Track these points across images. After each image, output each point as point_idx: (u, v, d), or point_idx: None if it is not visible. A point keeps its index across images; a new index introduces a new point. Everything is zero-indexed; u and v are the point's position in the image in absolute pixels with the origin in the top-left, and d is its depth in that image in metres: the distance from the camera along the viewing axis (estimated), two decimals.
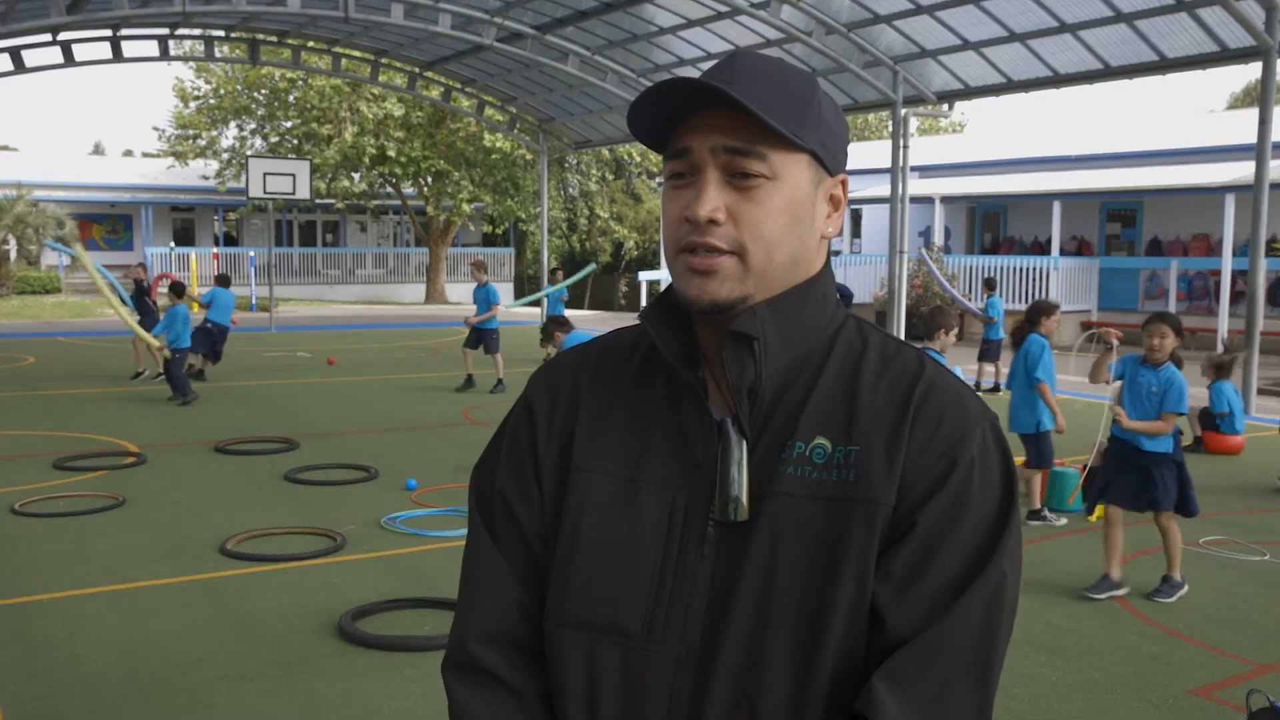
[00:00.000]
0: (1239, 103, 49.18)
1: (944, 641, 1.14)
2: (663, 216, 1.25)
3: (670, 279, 1.26)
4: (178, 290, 12.92)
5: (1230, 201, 19.03)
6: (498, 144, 30.25)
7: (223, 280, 14.54)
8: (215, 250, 31.94)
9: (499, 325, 13.90)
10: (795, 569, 1.17)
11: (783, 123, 1.16)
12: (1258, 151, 12.31)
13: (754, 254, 1.18)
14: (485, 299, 13.69)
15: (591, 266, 16.89)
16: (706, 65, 18.98)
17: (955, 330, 6.82)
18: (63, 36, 18.46)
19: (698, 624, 1.19)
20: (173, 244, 33.15)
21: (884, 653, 1.15)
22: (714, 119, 1.18)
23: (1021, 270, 21.76)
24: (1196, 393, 14.15)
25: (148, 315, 14.38)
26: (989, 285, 15.10)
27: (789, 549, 1.17)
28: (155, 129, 51.21)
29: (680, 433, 1.24)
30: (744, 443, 1.20)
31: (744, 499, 1.18)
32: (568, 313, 15.93)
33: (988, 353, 14.25)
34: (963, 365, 13.74)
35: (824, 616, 1.16)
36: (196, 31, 21.05)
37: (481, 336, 13.87)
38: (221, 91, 32.25)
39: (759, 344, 1.19)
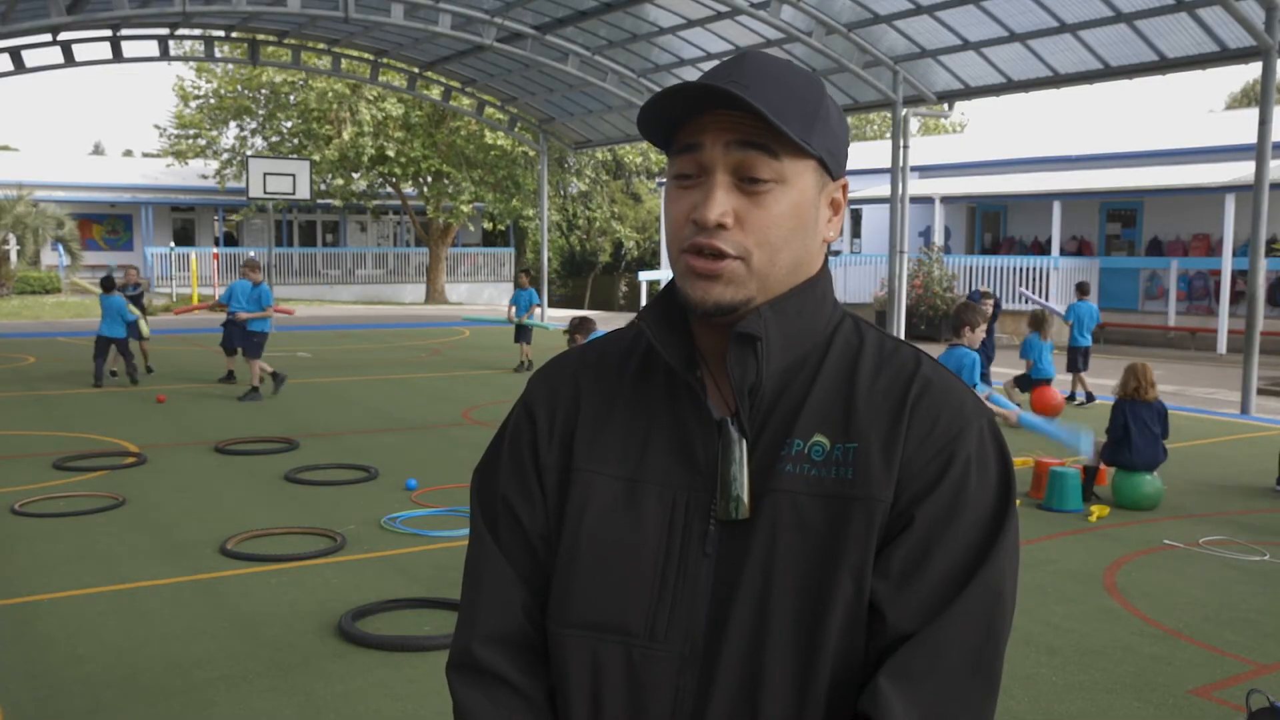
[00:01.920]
0: (1236, 103, 49.20)
1: (947, 640, 1.14)
2: (665, 216, 1.25)
3: (670, 279, 1.26)
4: (106, 285, 13.54)
5: (1230, 201, 19.03)
6: (498, 141, 30.26)
7: (252, 265, 14.66)
8: (215, 250, 31.95)
9: (269, 330, 13.11)
10: (794, 566, 1.18)
11: (794, 128, 1.17)
12: (1258, 151, 12.31)
13: (759, 258, 1.19)
14: (258, 300, 12.94)
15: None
16: (706, 65, 18.99)
17: (983, 327, 6.83)
18: (63, 36, 18.47)
19: (700, 623, 1.20)
20: (173, 244, 33.15)
21: (884, 649, 1.16)
22: (726, 121, 1.18)
23: (1021, 270, 21.77)
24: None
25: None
26: (1080, 290, 13.66)
27: (788, 546, 1.18)
28: (156, 127, 51.35)
29: (680, 432, 1.25)
30: (744, 442, 1.21)
31: (745, 498, 1.19)
32: (592, 313, 15.77)
33: (1072, 362, 13.19)
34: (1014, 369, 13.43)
35: (823, 613, 1.16)
36: (196, 31, 21.07)
37: (244, 338, 13.20)
38: (222, 92, 32.27)
39: (762, 344, 1.20)
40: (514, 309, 16.23)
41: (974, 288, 13.59)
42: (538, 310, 16.61)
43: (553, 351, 8.13)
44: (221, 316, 13.69)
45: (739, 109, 1.16)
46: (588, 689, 1.24)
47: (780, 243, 1.19)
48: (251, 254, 30.16)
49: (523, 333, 16.03)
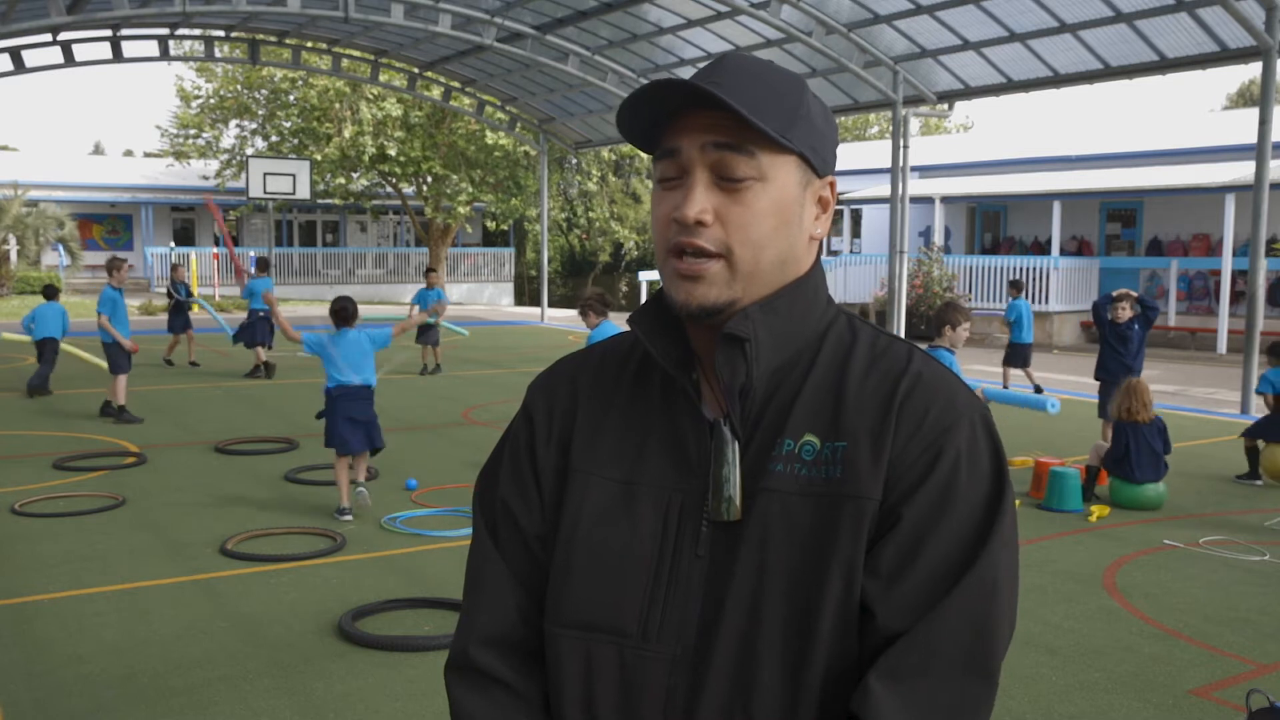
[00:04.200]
0: (1234, 103, 49.21)
1: (938, 638, 1.13)
2: (652, 218, 1.26)
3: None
4: (48, 293, 13.25)
5: (1230, 201, 19.02)
6: (500, 141, 30.26)
7: (262, 264, 15.20)
8: (215, 250, 31.94)
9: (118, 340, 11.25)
10: (785, 566, 1.17)
11: (771, 124, 1.17)
12: (1258, 151, 12.31)
13: (741, 256, 1.19)
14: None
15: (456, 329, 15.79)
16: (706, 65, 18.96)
17: (965, 326, 6.77)
18: (63, 36, 18.48)
19: (693, 624, 1.20)
20: (173, 244, 33.15)
21: (876, 647, 1.15)
22: (703, 120, 1.18)
23: (1021, 270, 21.75)
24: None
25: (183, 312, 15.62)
26: (1015, 286, 14.41)
27: (779, 547, 1.18)
28: (157, 128, 51.42)
29: (674, 435, 1.26)
30: (736, 443, 1.21)
31: (737, 498, 1.19)
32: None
33: (1012, 357, 13.73)
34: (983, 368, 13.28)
35: (814, 613, 1.16)
36: (196, 31, 21.07)
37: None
38: (223, 92, 32.27)
39: (750, 345, 1.20)
40: (416, 308, 14.88)
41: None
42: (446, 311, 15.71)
43: (557, 350, 8.14)
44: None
45: (714, 107, 1.16)
46: (581, 689, 1.24)
47: (763, 239, 1.19)
48: (252, 253, 30.23)
49: (426, 333, 15.15)
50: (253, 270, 15.22)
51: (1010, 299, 14.16)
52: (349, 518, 7.09)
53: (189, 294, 15.99)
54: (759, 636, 1.17)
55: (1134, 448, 7.66)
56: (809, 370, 1.24)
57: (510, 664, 1.28)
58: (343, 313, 7.37)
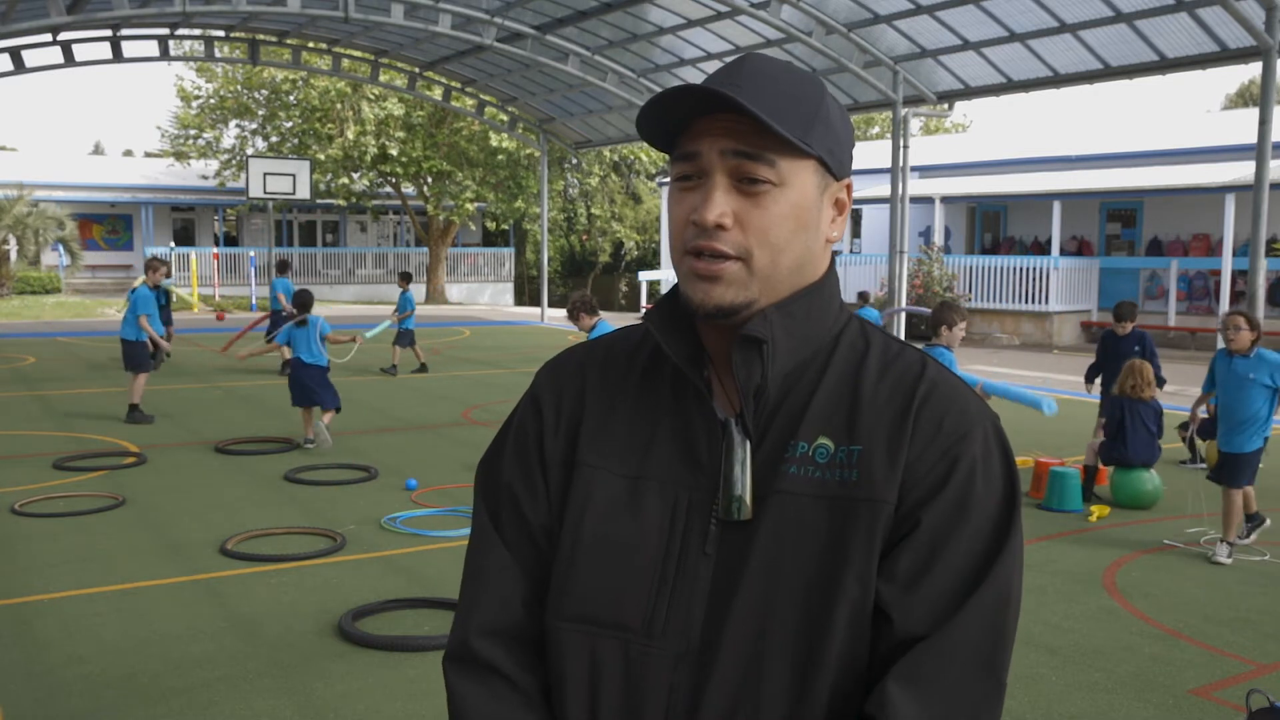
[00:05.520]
0: (1233, 103, 49.22)
1: (957, 643, 1.14)
2: (668, 217, 1.26)
3: (674, 280, 1.27)
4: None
5: (1230, 201, 19.02)
6: (503, 143, 30.26)
7: (282, 267, 15.47)
8: (215, 250, 31.93)
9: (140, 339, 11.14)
10: (798, 568, 1.18)
11: (791, 129, 1.17)
12: (1258, 151, 12.30)
13: (759, 259, 1.19)
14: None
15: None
16: (707, 65, 18.99)
17: (962, 325, 6.77)
18: (63, 36, 18.48)
19: (698, 621, 1.20)
20: (173, 244, 33.13)
21: (892, 652, 1.16)
22: (723, 123, 1.18)
23: (1021, 270, 21.75)
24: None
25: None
26: (861, 297, 16.00)
27: (791, 548, 1.18)
28: (157, 128, 51.34)
29: (685, 432, 1.25)
30: (748, 443, 1.21)
31: (747, 498, 1.20)
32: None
33: None
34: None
35: (826, 615, 1.16)
36: (196, 31, 21.07)
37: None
38: (223, 92, 32.26)
39: (768, 347, 1.21)
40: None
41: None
42: (409, 316, 15.82)
43: (557, 350, 8.15)
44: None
45: (734, 112, 1.16)
46: (584, 683, 1.24)
47: (782, 243, 1.20)
48: (253, 254, 30.21)
49: (405, 336, 15.59)
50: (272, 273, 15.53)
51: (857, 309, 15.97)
52: (311, 444, 9.52)
53: (166, 296, 15.99)
54: (768, 637, 1.17)
55: (1130, 424, 7.73)
56: (822, 374, 1.24)
57: (512, 655, 1.27)
58: (300, 306, 10.08)
